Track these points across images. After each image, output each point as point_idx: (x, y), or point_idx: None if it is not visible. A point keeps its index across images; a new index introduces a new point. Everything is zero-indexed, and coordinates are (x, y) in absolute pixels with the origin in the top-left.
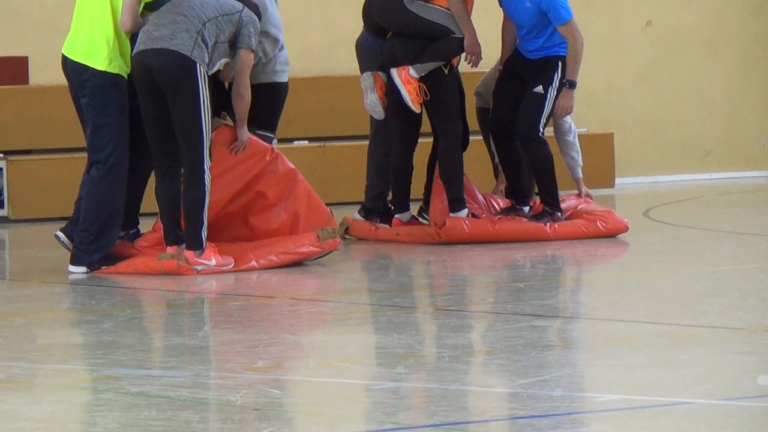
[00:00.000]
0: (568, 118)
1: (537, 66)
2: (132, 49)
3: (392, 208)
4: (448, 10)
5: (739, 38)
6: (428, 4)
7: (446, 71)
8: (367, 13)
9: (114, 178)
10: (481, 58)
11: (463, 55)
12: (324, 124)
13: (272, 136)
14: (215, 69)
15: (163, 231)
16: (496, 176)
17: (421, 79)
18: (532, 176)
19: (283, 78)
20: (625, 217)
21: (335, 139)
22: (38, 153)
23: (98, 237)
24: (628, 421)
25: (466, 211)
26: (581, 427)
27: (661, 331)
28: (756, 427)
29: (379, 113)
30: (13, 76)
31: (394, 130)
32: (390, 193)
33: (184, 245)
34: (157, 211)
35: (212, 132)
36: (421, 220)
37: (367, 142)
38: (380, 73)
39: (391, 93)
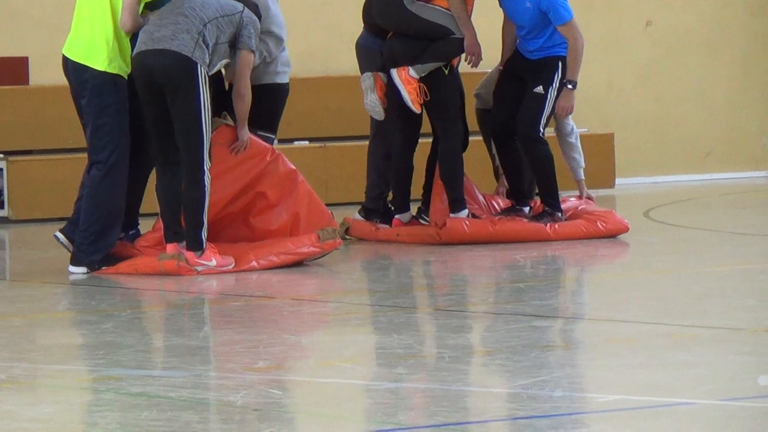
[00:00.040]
0: (570, 120)
1: (537, 66)
2: (132, 49)
3: (392, 208)
4: (448, 10)
5: (739, 38)
6: (428, 5)
7: (446, 72)
8: (367, 13)
9: (114, 179)
10: (481, 59)
11: (463, 55)
12: (324, 124)
13: (273, 137)
14: (215, 69)
15: (163, 228)
16: (497, 178)
17: (422, 80)
18: (532, 177)
19: (284, 79)
20: (626, 218)
21: (335, 139)
22: (38, 153)
23: (99, 237)
24: (629, 421)
25: (466, 211)
26: (582, 427)
27: (661, 332)
28: (757, 428)
29: (380, 114)
30: (14, 77)
31: (394, 131)
32: (390, 194)
33: (184, 243)
34: (157, 211)
35: (213, 132)
36: (421, 220)
37: (367, 143)
38: (380, 74)
39: (391, 93)
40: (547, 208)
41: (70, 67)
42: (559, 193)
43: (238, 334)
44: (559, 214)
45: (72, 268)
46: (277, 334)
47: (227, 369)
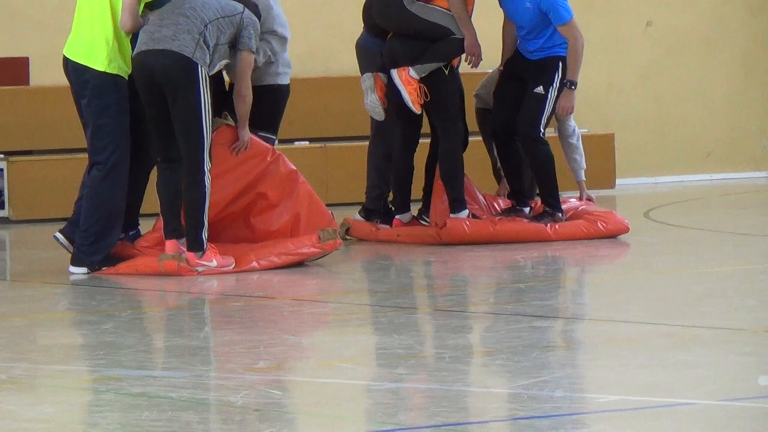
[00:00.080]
0: (572, 122)
1: (537, 66)
2: (132, 49)
3: (393, 208)
4: (448, 10)
5: (739, 38)
6: (428, 5)
7: (446, 72)
8: (367, 14)
9: (115, 179)
10: (482, 59)
11: (464, 56)
12: (325, 124)
13: (274, 137)
14: (215, 70)
15: (162, 224)
16: (498, 181)
17: (422, 80)
18: (533, 177)
19: (285, 80)
20: (626, 218)
21: (336, 139)
22: (39, 154)
23: (99, 238)
24: (629, 421)
25: (466, 211)
26: (582, 428)
27: (662, 332)
28: (757, 428)
29: (380, 114)
30: (14, 77)
31: (394, 131)
32: (390, 194)
33: (183, 240)
34: (158, 211)
35: (213, 132)
36: (421, 221)
37: (367, 143)
38: (380, 74)
39: (391, 94)
40: (547, 209)
41: (71, 67)
42: (560, 193)
43: (238, 335)
44: (560, 215)
45: (72, 269)
46: (277, 335)
47: (228, 369)
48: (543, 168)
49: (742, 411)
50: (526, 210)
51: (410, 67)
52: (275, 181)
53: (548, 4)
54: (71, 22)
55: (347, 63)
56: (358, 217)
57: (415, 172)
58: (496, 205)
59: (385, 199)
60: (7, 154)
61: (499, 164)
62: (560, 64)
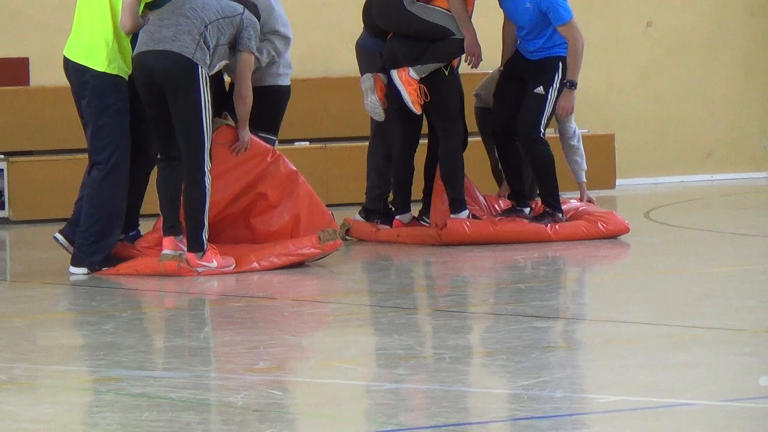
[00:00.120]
0: (573, 123)
1: (537, 67)
2: (132, 50)
3: (393, 209)
4: (448, 11)
5: (739, 39)
6: (428, 6)
7: (446, 72)
8: (367, 14)
9: (115, 179)
10: (481, 59)
11: (464, 56)
12: (325, 125)
13: (274, 138)
14: (214, 70)
15: (161, 221)
16: (499, 183)
17: (422, 81)
18: (533, 177)
19: (286, 81)
20: (626, 218)
21: (336, 140)
22: (39, 154)
23: (99, 238)
24: (630, 422)
25: (467, 212)
26: (582, 428)
27: (662, 333)
28: (758, 429)
29: (380, 115)
30: (14, 77)
31: (394, 132)
32: (391, 195)
33: (181, 237)
34: (158, 212)
35: (213, 133)
36: (422, 222)
37: (367, 144)
38: (380, 75)
39: (391, 94)
40: (547, 209)
41: (71, 67)
42: (560, 193)
43: (238, 335)
44: (560, 215)
45: (72, 269)
46: (277, 335)
47: (228, 370)
48: (543, 168)
49: (742, 411)
50: (527, 210)
51: (410, 68)
52: (275, 181)
53: (548, 4)
54: (71, 23)
55: (347, 63)
56: (358, 217)
57: (415, 172)
58: (496, 205)
59: (385, 200)
60: (8, 154)
61: (499, 165)
62: (560, 64)
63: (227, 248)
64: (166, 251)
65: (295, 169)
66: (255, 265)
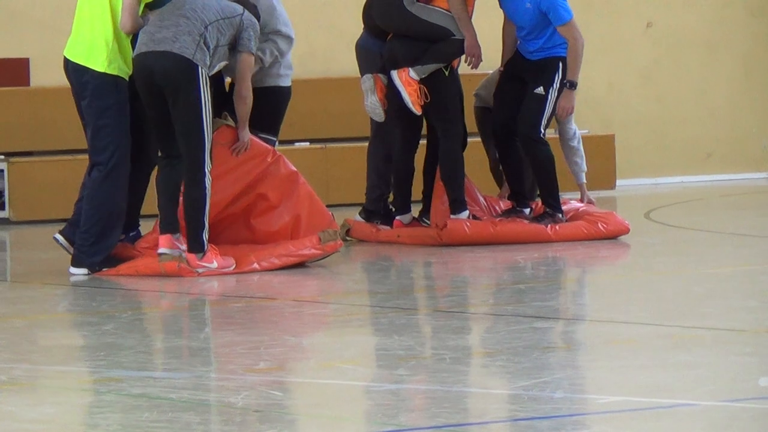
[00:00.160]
0: (573, 124)
1: (537, 67)
2: (132, 50)
3: (393, 209)
4: (449, 11)
5: (739, 39)
6: (428, 6)
7: (446, 73)
8: (368, 14)
9: (115, 180)
10: (481, 60)
11: (463, 56)
12: (325, 125)
13: (274, 139)
14: (214, 71)
15: (159, 218)
16: (500, 184)
17: (422, 81)
18: (533, 178)
19: (286, 82)
20: (627, 219)
21: (336, 140)
22: (39, 154)
23: (99, 239)
24: (630, 422)
25: (467, 212)
26: (583, 428)
27: (662, 333)
28: (758, 429)
29: (380, 115)
30: (14, 78)
31: (394, 132)
32: (391, 195)
33: (178, 235)
34: (158, 213)
35: (213, 133)
36: (422, 223)
37: (367, 144)
38: (380, 76)
39: (391, 95)
40: (548, 209)
41: (71, 68)
42: (560, 194)
43: (239, 336)
44: (560, 215)
45: (73, 270)
46: (278, 336)
47: (228, 370)
48: (543, 168)
49: (742, 412)
50: (527, 211)
51: (410, 68)
52: (275, 182)
53: (548, 5)
54: (71, 23)
55: (347, 64)
56: (358, 218)
57: (415, 173)
58: (496, 206)
59: (385, 200)
60: (8, 155)
61: (499, 165)
62: (560, 64)
63: (227, 249)
64: (161, 249)
65: (296, 169)
66: (255, 265)
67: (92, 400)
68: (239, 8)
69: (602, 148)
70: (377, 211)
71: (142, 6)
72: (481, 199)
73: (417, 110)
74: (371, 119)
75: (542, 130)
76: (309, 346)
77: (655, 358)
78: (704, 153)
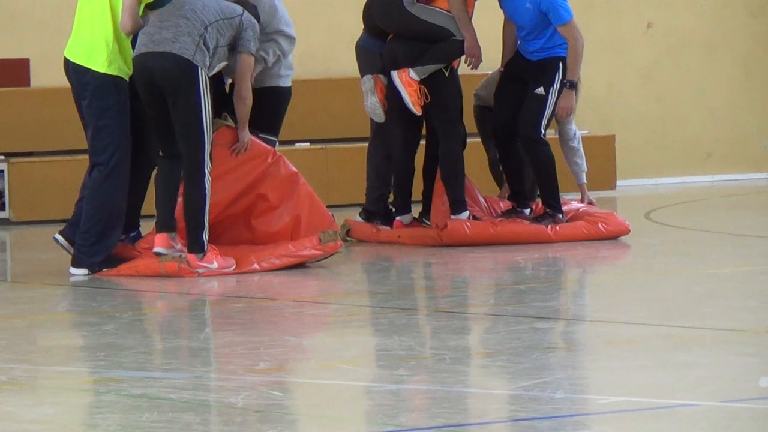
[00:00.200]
0: (573, 125)
1: (538, 67)
2: (132, 50)
3: (393, 210)
4: (449, 12)
5: (740, 39)
6: (428, 6)
7: (446, 73)
8: (368, 15)
9: (115, 180)
10: (481, 60)
11: (463, 57)
12: (325, 126)
13: (275, 139)
14: (213, 72)
15: (156, 217)
16: (500, 184)
17: (422, 82)
18: (533, 178)
19: (287, 83)
20: (627, 219)
21: (336, 141)
22: (40, 155)
23: (100, 239)
24: (630, 423)
25: (467, 213)
26: (583, 429)
27: (662, 333)
28: (758, 429)
29: (380, 116)
30: (15, 78)
31: (394, 133)
32: (391, 195)
33: (174, 234)
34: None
35: (213, 134)
36: (422, 223)
37: (368, 145)
38: (380, 76)
39: (392, 95)
40: (548, 210)
41: (71, 68)
42: (560, 194)
43: (239, 336)
44: (560, 216)
45: (73, 270)
46: (278, 336)
47: (228, 370)
48: (544, 169)
49: (743, 412)
50: (527, 211)
51: (410, 69)
52: (276, 182)
53: (548, 5)
54: (72, 24)
55: (348, 64)
56: (358, 218)
57: (415, 173)
58: (496, 206)
59: (385, 201)
60: (8, 155)
61: (500, 167)
62: (561, 64)
63: (228, 249)
64: (157, 249)
65: (296, 170)
66: (255, 266)
67: (92, 401)
68: (239, 9)
69: (602, 148)
70: (377, 211)
71: (143, 7)
72: (482, 199)
73: (417, 111)
74: (371, 120)
75: (543, 131)
76: (309, 346)
77: (655, 359)
78: (704, 153)
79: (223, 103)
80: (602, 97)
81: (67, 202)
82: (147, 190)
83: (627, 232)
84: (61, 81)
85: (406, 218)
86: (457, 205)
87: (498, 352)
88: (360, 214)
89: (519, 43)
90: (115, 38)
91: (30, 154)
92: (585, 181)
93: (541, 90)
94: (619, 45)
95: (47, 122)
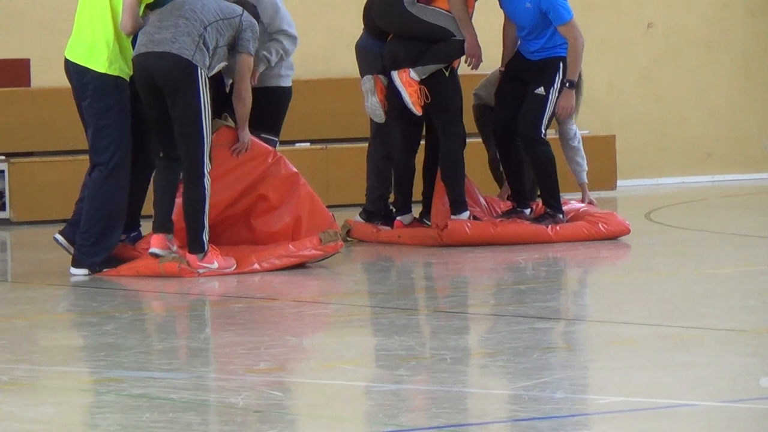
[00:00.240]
0: (573, 125)
1: (538, 67)
2: (133, 50)
3: (394, 210)
4: (449, 12)
5: (740, 39)
6: (429, 7)
7: (447, 73)
8: (368, 15)
9: (116, 180)
10: (482, 61)
11: (464, 57)
12: (325, 126)
13: (276, 139)
14: (213, 72)
15: (153, 218)
16: (500, 184)
17: (422, 82)
18: (534, 178)
19: (287, 83)
20: (627, 219)
21: (337, 141)
22: (40, 155)
23: (100, 239)
24: (630, 423)
25: (467, 213)
26: (583, 429)
27: (663, 333)
28: (758, 430)
29: (380, 116)
30: (15, 79)
31: (394, 133)
32: (391, 196)
33: (170, 236)
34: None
35: (213, 134)
36: (423, 223)
37: (367, 145)
38: (381, 77)
39: (392, 96)
40: (548, 210)
41: (72, 69)
42: (561, 194)
43: (239, 336)
44: (561, 216)
45: (73, 270)
46: (278, 336)
47: (228, 371)
48: (544, 169)
49: (743, 412)
50: (527, 211)
51: (411, 69)
52: (276, 183)
53: (548, 4)
54: (72, 24)
55: (348, 64)
56: (358, 218)
57: (416, 173)
58: (496, 206)
59: (385, 201)
60: (8, 155)
61: (501, 167)
62: (561, 64)
63: (228, 249)
64: (153, 249)
65: (296, 170)
66: (256, 266)
67: (92, 401)
68: (238, 9)
69: (603, 148)
70: (377, 211)
71: (143, 7)
72: (482, 199)
73: (417, 111)
74: (371, 120)
75: (543, 131)
76: (309, 346)
77: (655, 359)
78: (704, 153)
79: (223, 104)
80: (602, 97)
81: (67, 202)
82: (147, 190)
83: (627, 232)
84: (62, 81)
85: (406, 218)
86: (458, 205)
87: (498, 352)
88: (360, 215)
89: (519, 43)
90: (115, 38)
91: (30, 154)
92: (586, 180)
93: (541, 90)
94: (619, 45)
95: (47, 122)
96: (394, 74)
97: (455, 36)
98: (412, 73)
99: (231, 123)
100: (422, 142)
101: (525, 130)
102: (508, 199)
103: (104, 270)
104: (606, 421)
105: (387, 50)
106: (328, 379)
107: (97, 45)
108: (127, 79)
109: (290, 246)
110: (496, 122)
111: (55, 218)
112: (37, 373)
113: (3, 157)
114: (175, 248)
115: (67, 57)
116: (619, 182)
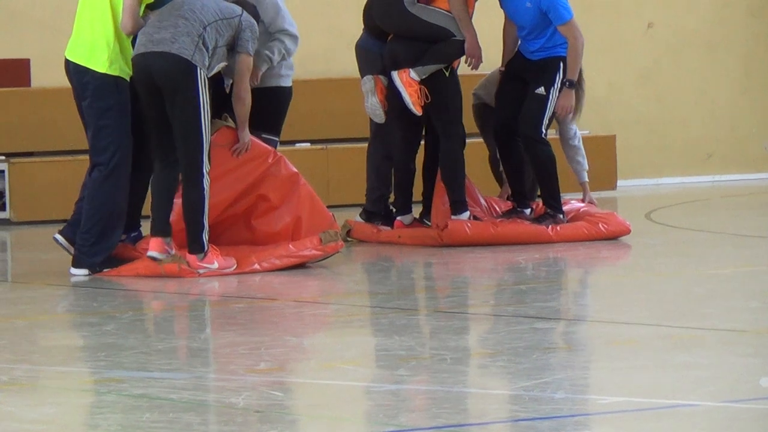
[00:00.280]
0: (574, 125)
1: (538, 67)
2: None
3: (394, 210)
4: (449, 12)
5: (740, 39)
6: (429, 7)
7: (447, 73)
8: (368, 15)
9: (116, 180)
10: (482, 61)
11: (464, 57)
12: (326, 126)
13: (276, 139)
14: (213, 72)
15: (151, 220)
16: (500, 184)
17: (422, 82)
18: (534, 178)
19: (287, 83)
20: (628, 220)
21: (337, 141)
22: (40, 155)
23: (100, 239)
24: (631, 423)
25: (467, 213)
26: (583, 429)
27: (663, 334)
28: (759, 430)
29: (380, 116)
30: (15, 79)
31: (394, 133)
32: (392, 196)
33: (169, 239)
34: None
35: (213, 134)
36: (423, 223)
37: (367, 145)
38: (381, 77)
39: (392, 96)
40: (548, 210)
41: (72, 69)
42: (561, 194)
43: (239, 336)
44: (561, 216)
45: (73, 270)
46: (278, 336)
47: (229, 371)
48: (544, 169)
49: (743, 412)
50: (527, 212)
51: (411, 69)
52: (276, 183)
53: (548, 4)
54: (72, 24)
55: (348, 64)
56: (359, 219)
57: (416, 173)
58: (497, 207)
59: (385, 201)
60: (8, 155)
61: (501, 167)
62: (561, 64)
63: (228, 250)
64: (151, 253)
65: (296, 170)
66: (256, 266)
67: (93, 401)
68: (238, 9)
69: (603, 148)
70: (378, 212)
71: (143, 7)
72: (482, 199)
73: (417, 111)
74: (371, 120)
75: (544, 130)
76: (310, 346)
77: (655, 359)
78: (705, 153)
79: (223, 104)
80: (602, 97)
81: (67, 202)
82: (148, 190)
83: (627, 232)
84: (62, 81)
85: (406, 218)
86: (458, 205)
87: (498, 353)
88: (360, 215)
89: (519, 42)
90: (115, 38)
91: (30, 154)
92: (587, 179)
93: (541, 90)
94: (619, 45)
95: (47, 122)
96: (394, 74)
97: (455, 36)
98: (412, 73)
99: (231, 123)
100: (422, 142)
101: (525, 130)
102: (508, 199)
103: (104, 270)
104: (607, 422)
105: (387, 50)
106: (329, 379)
107: (98, 45)
108: (128, 79)
109: (290, 246)
110: (497, 122)
111: (55, 218)
112: (37, 373)
113: (3, 157)
114: (173, 252)
115: (68, 57)
116: (620, 182)
